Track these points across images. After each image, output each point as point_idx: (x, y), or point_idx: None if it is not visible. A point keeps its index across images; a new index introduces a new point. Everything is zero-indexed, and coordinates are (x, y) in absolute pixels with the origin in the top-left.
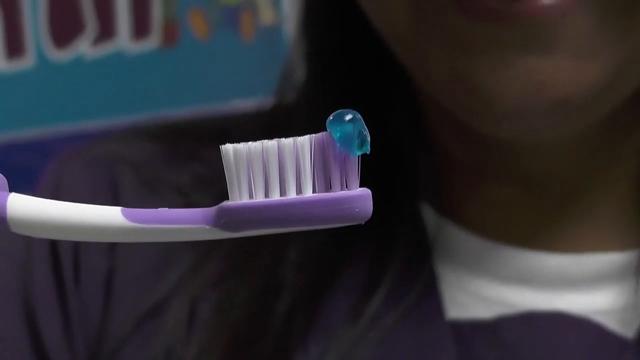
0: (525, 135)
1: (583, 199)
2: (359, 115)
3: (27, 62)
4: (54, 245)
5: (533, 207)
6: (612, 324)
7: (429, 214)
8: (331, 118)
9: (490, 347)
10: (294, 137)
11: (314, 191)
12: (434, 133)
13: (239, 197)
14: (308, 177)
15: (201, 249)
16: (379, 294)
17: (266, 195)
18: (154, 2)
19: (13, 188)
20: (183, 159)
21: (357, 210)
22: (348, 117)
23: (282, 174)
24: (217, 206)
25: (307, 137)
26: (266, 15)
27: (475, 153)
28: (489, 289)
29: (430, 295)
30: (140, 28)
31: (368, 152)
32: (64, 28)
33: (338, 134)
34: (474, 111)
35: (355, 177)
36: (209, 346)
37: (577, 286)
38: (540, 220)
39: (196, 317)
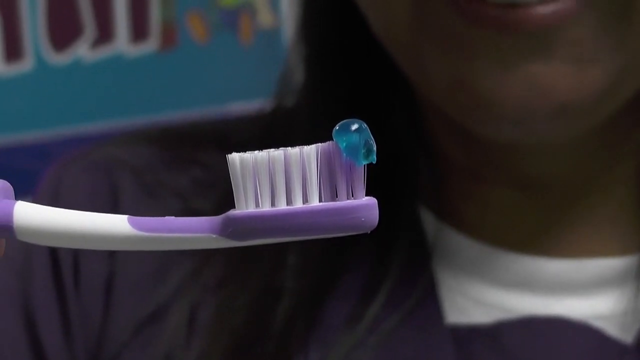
0: (526, 140)
1: (582, 202)
2: (365, 125)
3: (25, 65)
4: (53, 250)
5: (532, 211)
6: (612, 329)
7: (428, 218)
8: (337, 128)
9: (489, 352)
10: (300, 147)
11: (320, 200)
12: (434, 136)
13: (245, 206)
14: (314, 186)
15: (201, 254)
16: (379, 298)
17: (272, 205)
18: (152, 5)
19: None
20: (182, 163)
21: (363, 219)
22: (354, 126)
23: (288, 183)
24: (223, 215)
25: (313, 146)
26: (265, 18)
27: (474, 156)
28: (488, 294)
29: (429, 300)
30: (139, 31)
31: (374, 162)
32: (63, 31)
33: (344, 144)
34: (475, 116)
35: (361, 186)
36: (209, 351)
37: (576, 291)
38: (540, 224)
39: (196, 322)
